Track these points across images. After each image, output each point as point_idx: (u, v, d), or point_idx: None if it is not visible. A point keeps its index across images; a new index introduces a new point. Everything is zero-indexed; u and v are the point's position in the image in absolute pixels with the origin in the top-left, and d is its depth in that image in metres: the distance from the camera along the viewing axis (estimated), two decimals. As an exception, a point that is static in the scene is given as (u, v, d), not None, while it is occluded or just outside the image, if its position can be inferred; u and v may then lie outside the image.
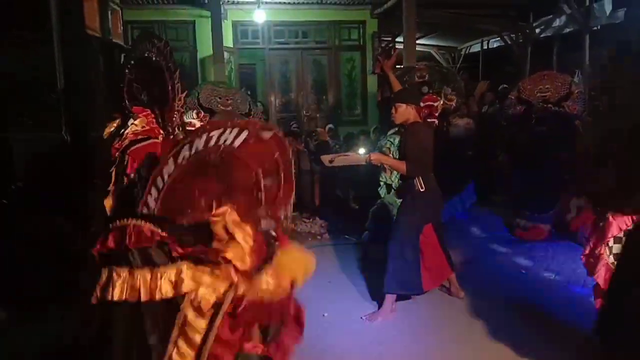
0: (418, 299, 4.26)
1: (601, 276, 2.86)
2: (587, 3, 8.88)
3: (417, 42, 10.25)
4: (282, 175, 2.01)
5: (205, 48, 10.10)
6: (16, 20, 4.35)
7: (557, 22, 10.05)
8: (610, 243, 2.85)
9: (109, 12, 6.00)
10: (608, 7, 8.51)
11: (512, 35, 11.26)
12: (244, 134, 1.92)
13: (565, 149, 5.65)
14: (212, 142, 1.91)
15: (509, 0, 10.35)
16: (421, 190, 3.88)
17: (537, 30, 10.72)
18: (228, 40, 10.10)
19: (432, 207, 4.05)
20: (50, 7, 4.34)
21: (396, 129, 4.78)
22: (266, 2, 10.06)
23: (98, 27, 5.42)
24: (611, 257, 2.85)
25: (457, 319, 3.94)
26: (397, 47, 11.34)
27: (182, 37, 10.61)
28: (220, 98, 5.41)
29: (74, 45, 4.58)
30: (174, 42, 10.46)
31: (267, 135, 1.97)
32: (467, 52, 14.38)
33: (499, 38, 11.68)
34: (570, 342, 3.49)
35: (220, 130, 1.90)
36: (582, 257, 3.05)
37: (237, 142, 1.92)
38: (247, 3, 10.11)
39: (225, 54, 9.52)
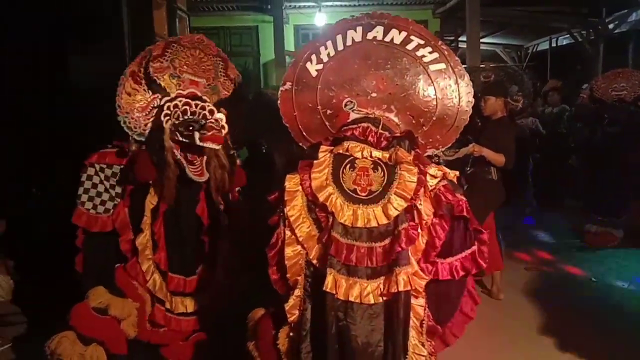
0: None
1: None
2: (667, -4, 8.37)
3: (481, 41, 10.00)
4: None
5: (267, 52, 10.32)
6: (92, 30, 4.60)
7: (632, 17, 9.52)
8: None
9: (177, 19, 6.26)
10: (689, -1, 7.99)
11: (582, 32, 10.75)
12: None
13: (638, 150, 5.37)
14: None
15: (579, -5, 9.92)
16: (494, 179, 4.10)
17: (611, 26, 10.20)
18: (290, 44, 10.27)
19: (497, 196, 4.22)
20: (123, 16, 4.56)
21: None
22: (327, 5, 10.16)
23: (167, 34, 5.65)
24: None
25: (525, 326, 3.82)
26: (460, 46, 11.11)
27: (245, 42, 10.88)
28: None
29: (144, 51, 4.79)
30: (238, 47, 10.80)
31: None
32: (534, 50, 13.87)
33: (568, 35, 11.18)
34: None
35: None
36: None
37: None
38: (308, 7, 10.24)
39: (287, 58, 9.67)
